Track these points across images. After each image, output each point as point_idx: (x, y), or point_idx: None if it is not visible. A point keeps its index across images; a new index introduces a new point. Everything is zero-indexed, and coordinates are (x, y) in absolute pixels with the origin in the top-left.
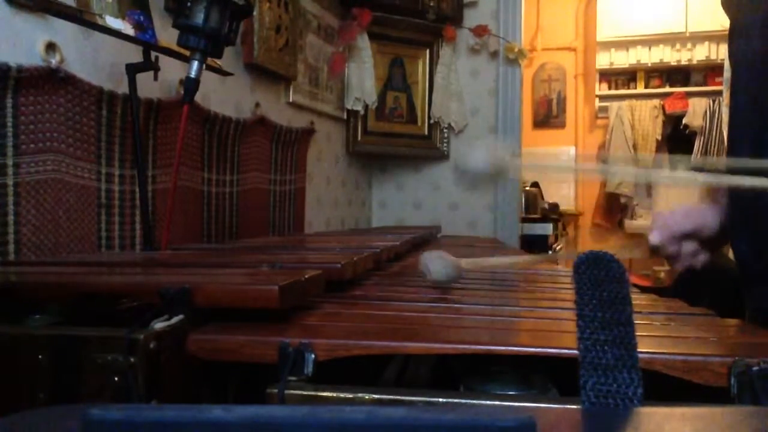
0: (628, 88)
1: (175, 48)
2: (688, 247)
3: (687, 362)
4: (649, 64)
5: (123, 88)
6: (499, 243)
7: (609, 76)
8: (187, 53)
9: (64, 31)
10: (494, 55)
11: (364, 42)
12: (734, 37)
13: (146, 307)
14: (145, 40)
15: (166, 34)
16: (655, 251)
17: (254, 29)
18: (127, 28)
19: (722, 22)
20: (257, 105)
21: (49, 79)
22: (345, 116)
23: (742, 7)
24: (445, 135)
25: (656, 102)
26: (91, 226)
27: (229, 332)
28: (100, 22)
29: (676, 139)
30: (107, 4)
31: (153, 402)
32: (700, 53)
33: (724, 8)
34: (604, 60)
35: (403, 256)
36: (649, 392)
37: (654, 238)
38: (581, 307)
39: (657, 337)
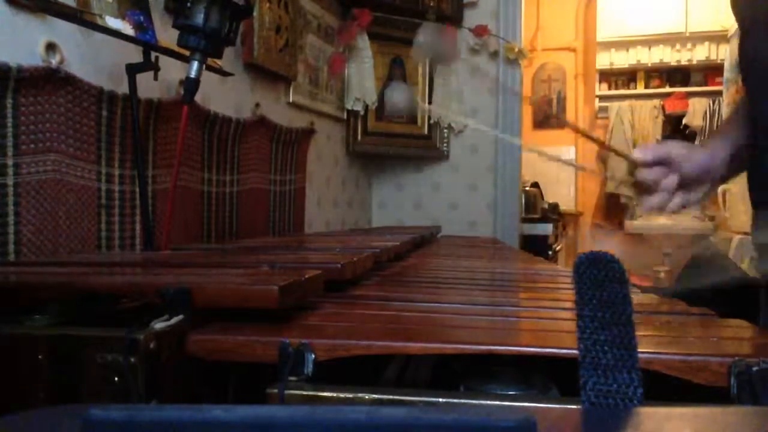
0: (628, 88)
1: (175, 48)
2: (669, 180)
3: (687, 362)
4: (649, 65)
5: (123, 88)
6: (499, 243)
7: (609, 76)
8: (187, 53)
9: (64, 31)
10: (494, 55)
11: (364, 42)
12: (752, 36)
13: (146, 307)
14: (145, 40)
15: (167, 35)
16: (635, 178)
17: (254, 29)
18: (127, 29)
19: (722, 22)
20: (257, 105)
21: (49, 79)
22: (345, 116)
23: (762, 4)
24: (445, 135)
25: (656, 102)
26: (91, 227)
27: (229, 332)
28: (100, 22)
29: (676, 139)
30: (107, 4)
31: (153, 402)
32: (700, 53)
33: (733, 9)
34: (604, 60)
35: (403, 257)
36: (649, 392)
37: (639, 153)
38: (581, 307)
39: (657, 337)
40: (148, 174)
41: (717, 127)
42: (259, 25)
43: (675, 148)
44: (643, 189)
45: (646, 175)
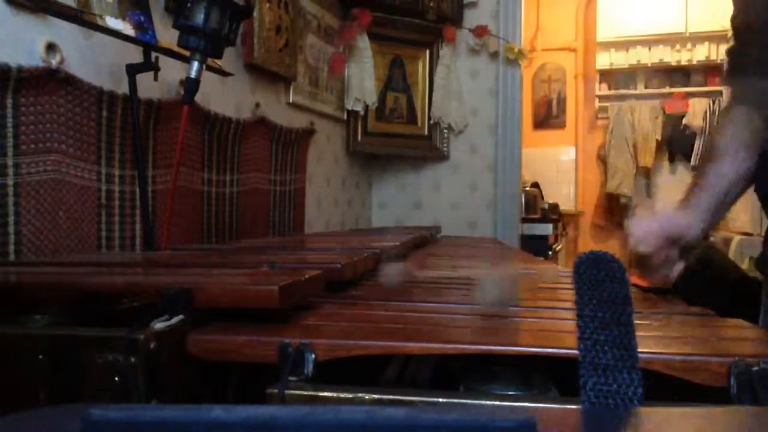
0: (628, 89)
1: (176, 48)
2: (672, 255)
3: (687, 362)
4: (649, 65)
5: (123, 89)
6: (499, 243)
7: (609, 76)
8: (188, 54)
9: (64, 32)
10: (494, 55)
11: (364, 42)
12: None
13: (146, 307)
14: (146, 40)
15: (167, 35)
16: (638, 262)
17: (254, 30)
18: (128, 29)
19: (722, 22)
20: (257, 105)
21: (50, 80)
22: (345, 117)
23: None
24: (445, 135)
25: (656, 102)
26: (91, 227)
27: (229, 332)
28: (100, 22)
29: (676, 139)
30: (107, 4)
31: (153, 402)
32: (700, 53)
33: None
34: (604, 60)
35: (403, 257)
36: (649, 392)
37: (644, 247)
38: (581, 307)
39: (657, 337)
40: (148, 174)
41: (695, 180)
42: (259, 26)
43: (671, 227)
44: (649, 267)
45: (654, 261)
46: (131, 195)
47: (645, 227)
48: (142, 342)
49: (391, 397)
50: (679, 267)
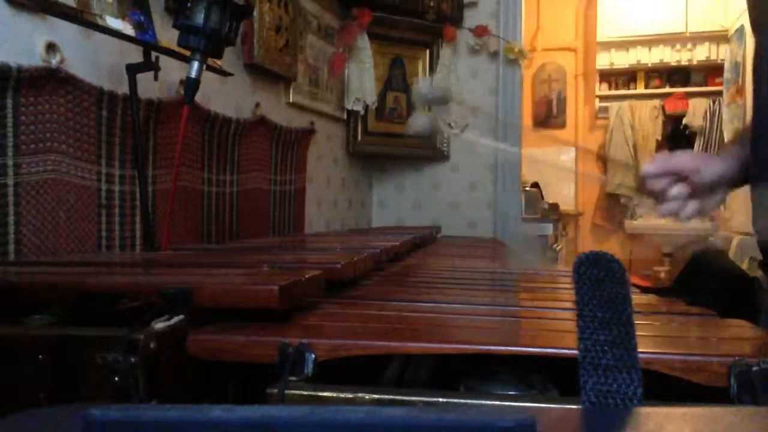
0: (628, 89)
1: (176, 48)
2: (676, 189)
3: (687, 362)
4: (649, 65)
5: (123, 89)
6: (499, 243)
7: (609, 76)
8: (188, 53)
9: (64, 31)
10: (494, 55)
11: (364, 42)
12: None
13: (146, 307)
14: (146, 40)
15: (167, 35)
16: (645, 186)
17: (254, 29)
18: (128, 29)
19: (722, 22)
20: (257, 105)
21: (50, 79)
22: (345, 116)
23: None
24: (445, 135)
25: (656, 102)
26: (91, 227)
27: (229, 332)
28: (100, 22)
29: (676, 139)
30: (107, 4)
31: (153, 402)
32: (700, 53)
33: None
34: (604, 60)
35: (403, 257)
36: (649, 392)
37: (648, 167)
38: (581, 307)
39: (657, 337)
40: (148, 174)
41: (738, 132)
42: (259, 25)
43: (685, 161)
44: (656, 197)
45: (651, 185)
46: (131, 195)
47: (656, 161)
48: (142, 342)
49: (391, 397)
50: (691, 208)
